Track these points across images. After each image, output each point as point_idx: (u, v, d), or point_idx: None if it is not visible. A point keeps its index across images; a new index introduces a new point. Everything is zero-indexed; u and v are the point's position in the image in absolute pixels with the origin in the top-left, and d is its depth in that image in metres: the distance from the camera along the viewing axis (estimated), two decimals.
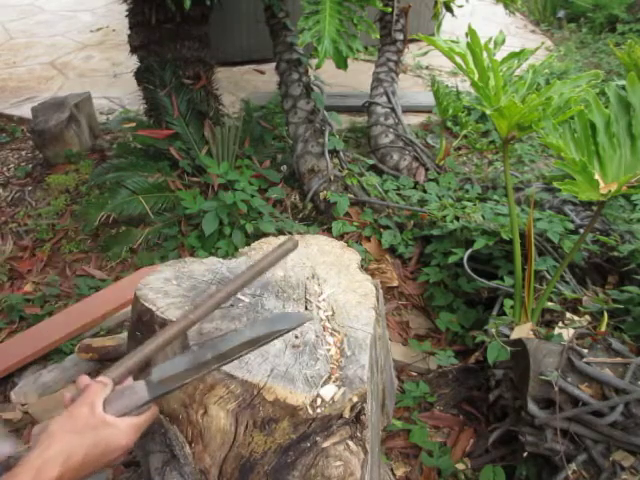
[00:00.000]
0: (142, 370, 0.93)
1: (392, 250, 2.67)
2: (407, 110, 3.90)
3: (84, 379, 0.87)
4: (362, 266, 1.45)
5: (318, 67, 2.37)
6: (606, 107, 1.64)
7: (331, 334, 1.15)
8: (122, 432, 0.82)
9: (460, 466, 1.74)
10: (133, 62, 3.24)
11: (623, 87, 1.64)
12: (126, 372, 0.90)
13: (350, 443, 1.04)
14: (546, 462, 1.61)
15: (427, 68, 5.11)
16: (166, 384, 0.86)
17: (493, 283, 2.12)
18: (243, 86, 4.64)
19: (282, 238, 1.40)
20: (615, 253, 2.16)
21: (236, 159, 2.96)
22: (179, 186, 2.86)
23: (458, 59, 1.75)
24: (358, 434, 1.05)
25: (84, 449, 0.78)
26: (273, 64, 3.29)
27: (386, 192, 2.87)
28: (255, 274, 1.09)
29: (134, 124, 3.32)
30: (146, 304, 1.18)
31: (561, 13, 6.36)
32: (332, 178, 2.86)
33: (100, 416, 0.81)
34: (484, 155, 3.67)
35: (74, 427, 0.79)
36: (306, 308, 1.22)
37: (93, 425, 0.80)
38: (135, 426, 0.84)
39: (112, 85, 4.59)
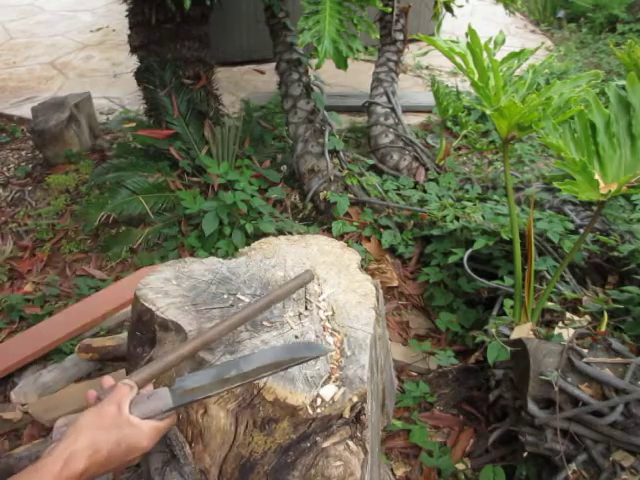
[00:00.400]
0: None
1: (392, 250, 2.67)
2: (407, 110, 3.90)
3: (109, 380, 0.91)
4: (362, 266, 1.45)
5: (318, 67, 2.37)
6: (606, 107, 1.64)
7: (331, 334, 1.16)
8: (144, 434, 0.85)
9: (460, 466, 1.74)
10: (133, 62, 3.24)
11: (623, 87, 1.64)
12: (148, 378, 0.93)
13: (350, 443, 1.04)
14: (546, 462, 1.61)
15: (427, 68, 5.11)
16: (189, 395, 0.89)
17: (493, 283, 2.11)
18: (243, 86, 4.63)
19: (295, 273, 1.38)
20: (615, 253, 2.16)
21: (236, 159, 2.96)
22: (179, 186, 2.86)
23: (458, 59, 1.74)
24: (358, 434, 1.05)
25: (109, 445, 0.81)
26: (273, 64, 3.29)
27: (386, 192, 2.87)
28: (271, 301, 1.15)
29: (134, 124, 3.31)
30: (146, 304, 1.18)
31: (561, 13, 6.36)
32: (332, 178, 2.86)
33: (126, 416, 0.84)
34: (484, 155, 3.67)
35: (101, 424, 0.82)
36: (306, 308, 1.22)
37: (119, 424, 0.83)
38: (157, 429, 0.87)
39: (112, 85, 4.59)
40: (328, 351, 1.01)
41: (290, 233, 2.58)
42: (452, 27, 4.50)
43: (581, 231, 2.26)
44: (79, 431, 0.80)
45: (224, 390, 0.92)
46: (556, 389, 1.47)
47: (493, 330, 1.85)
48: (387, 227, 2.72)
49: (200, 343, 1.02)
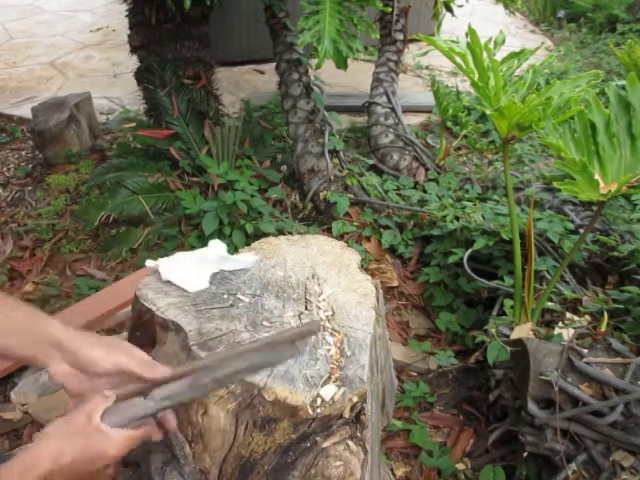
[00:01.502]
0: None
1: (392, 250, 2.67)
2: (407, 110, 3.90)
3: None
4: (362, 266, 1.45)
5: (318, 67, 2.37)
6: (606, 107, 1.64)
7: (331, 334, 1.15)
8: (113, 442, 0.84)
9: (460, 466, 1.74)
10: (133, 62, 3.24)
11: (623, 87, 1.63)
12: (132, 392, 0.92)
13: (350, 443, 1.04)
14: (546, 462, 1.61)
15: (427, 68, 5.11)
16: (164, 401, 0.90)
17: (493, 283, 2.11)
18: (243, 86, 4.63)
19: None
20: (615, 253, 2.16)
21: (236, 159, 2.96)
22: (179, 186, 2.86)
23: (458, 59, 1.74)
24: (358, 434, 1.05)
25: (73, 451, 0.80)
26: (273, 64, 3.29)
27: (386, 192, 2.87)
28: (268, 345, 1.07)
29: (134, 124, 3.31)
30: (146, 304, 1.18)
31: (561, 13, 6.36)
32: (332, 178, 2.86)
33: (95, 424, 0.83)
34: (484, 155, 3.67)
35: (68, 431, 0.82)
36: (306, 308, 1.22)
37: (87, 432, 0.82)
38: (128, 438, 0.86)
39: (112, 85, 4.59)
40: (301, 350, 1.01)
41: (290, 233, 2.58)
42: (452, 27, 4.49)
43: (581, 231, 2.26)
44: (45, 437, 0.81)
45: (199, 395, 0.94)
46: (556, 389, 1.47)
47: (493, 330, 1.85)
48: (387, 227, 2.72)
49: (189, 370, 0.98)
